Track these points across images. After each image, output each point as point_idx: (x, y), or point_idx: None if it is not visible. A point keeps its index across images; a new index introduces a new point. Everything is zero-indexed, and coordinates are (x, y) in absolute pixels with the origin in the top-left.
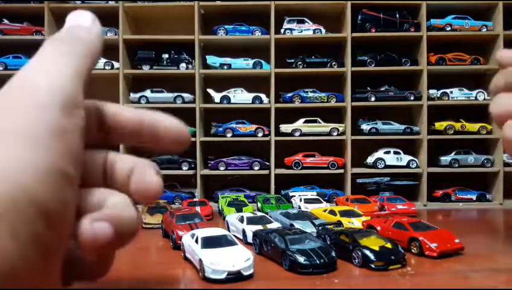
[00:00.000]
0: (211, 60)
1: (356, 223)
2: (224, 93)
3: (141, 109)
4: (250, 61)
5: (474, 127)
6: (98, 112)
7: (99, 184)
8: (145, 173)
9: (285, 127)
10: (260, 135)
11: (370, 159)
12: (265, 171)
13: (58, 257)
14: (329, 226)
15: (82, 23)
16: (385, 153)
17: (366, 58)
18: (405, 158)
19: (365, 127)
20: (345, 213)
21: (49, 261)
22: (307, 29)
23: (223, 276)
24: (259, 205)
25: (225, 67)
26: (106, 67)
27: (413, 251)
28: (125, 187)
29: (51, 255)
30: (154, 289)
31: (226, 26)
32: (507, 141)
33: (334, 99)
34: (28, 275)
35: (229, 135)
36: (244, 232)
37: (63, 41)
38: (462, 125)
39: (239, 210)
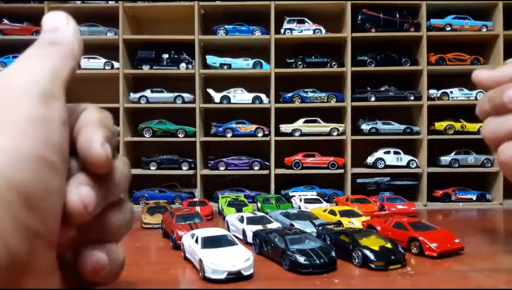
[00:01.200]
0: (211, 60)
1: (356, 223)
2: (224, 93)
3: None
4: (250, 61)
5: (474, 127)
6: None
7: None
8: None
9: (285, 127)
10: (260, 135)
11: (370, 159)
12: (265, 171)
13: (46, 245)
14: (329, 226)
15: (57, 25)
16: (385, 153)
17: (366, 58)
18: (405, 158)
19: (365, 127)
20: (345, 213)
21: (34, 246)
22: (307, 29)
23: (223, 276)
24: (259, 205)
25: (225, 67)
26: (106, 67)
27: (413, 251)
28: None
29: (34, 241)
30: (155, 289)
31: (226, 26)
32: (504, 163)
33: (334, 99)
34: (10, 261)
35: (229, 135)
36: (244, 232)
37: (40, 46)
38: (462, 125)
39: (239, 210)
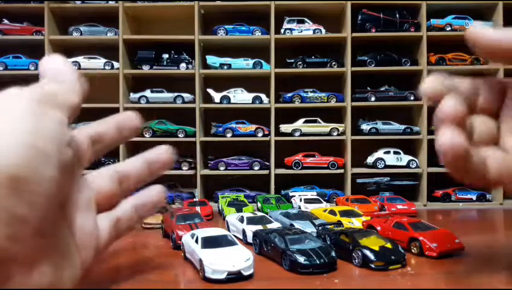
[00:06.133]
0: (211, 60)
1: (356, 223)
2: (224, 93)
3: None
4: (250, 61)
5: None
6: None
7: None
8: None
9: (285, 127)
10: (260, 135)
11: (370, 159)
12: (265, 171)
13: (31, 231)
14: (329, 226)
15: (58, 71)
16: (385, 153)
17: (366, 58)
18: (405, 158)
19: (365, 127)
20: (345, 213)
21: (17, 232)
22: (307, 29)
23: (223, 276)
24: (259, 205)
25: (225, 67)
26: (106, 67)
27: (413, 251)
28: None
29: (17, 226)
30: (155, 289)
31: (226, 26)
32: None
33: (334, 99)
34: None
35: (229, 135)
36: (244, 232)
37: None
38: None
39: (239, 210)
